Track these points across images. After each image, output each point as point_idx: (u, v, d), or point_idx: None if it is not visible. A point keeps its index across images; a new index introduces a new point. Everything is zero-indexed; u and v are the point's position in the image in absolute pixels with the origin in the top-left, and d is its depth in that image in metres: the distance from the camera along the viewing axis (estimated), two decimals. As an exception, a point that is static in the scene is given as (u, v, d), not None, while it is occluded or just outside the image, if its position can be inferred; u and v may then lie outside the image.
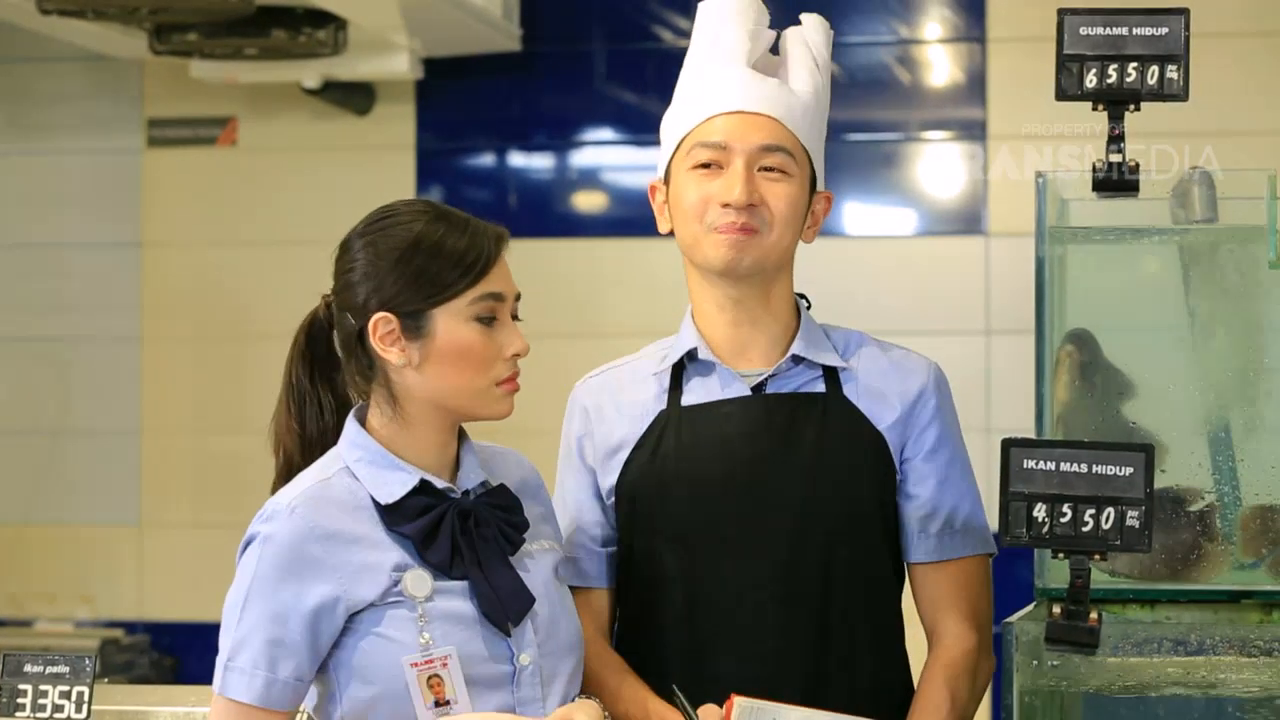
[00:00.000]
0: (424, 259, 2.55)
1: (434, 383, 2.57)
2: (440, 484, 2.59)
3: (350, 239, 2.64)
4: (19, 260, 6.30)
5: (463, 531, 2.57)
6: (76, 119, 6.28)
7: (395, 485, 2.56)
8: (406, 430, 2.59)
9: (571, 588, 2.82)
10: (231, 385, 6.20)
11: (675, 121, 2.89)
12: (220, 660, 2.53)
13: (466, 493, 2.62)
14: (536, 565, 2.65)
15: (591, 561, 2.93)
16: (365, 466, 2.58)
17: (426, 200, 2.65)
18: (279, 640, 2.50)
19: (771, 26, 2.94)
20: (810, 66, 2.91)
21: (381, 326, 2.55)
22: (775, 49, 2.94)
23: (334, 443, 2.64)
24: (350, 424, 2.62)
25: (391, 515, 2.55)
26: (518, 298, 2.62)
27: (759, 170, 2.81)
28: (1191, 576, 2.85)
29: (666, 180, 2.88)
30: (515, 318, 2.62)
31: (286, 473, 2.66)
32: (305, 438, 2.67)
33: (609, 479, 2.90)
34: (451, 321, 2.55)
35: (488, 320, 2.57)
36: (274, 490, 2.63)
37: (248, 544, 2.56)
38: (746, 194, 2.79)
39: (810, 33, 2.93)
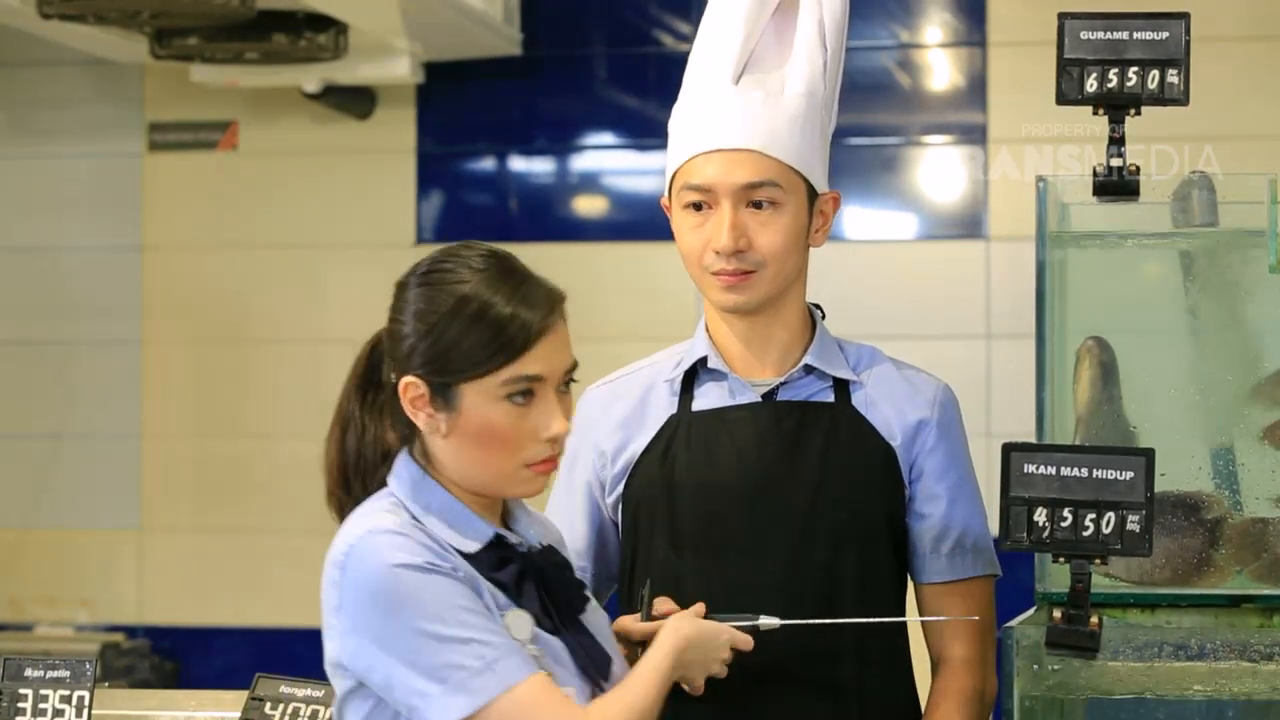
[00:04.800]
0: (460, 329, 2.37)
1: (459, 458, 2.40)
2: (513, 539, 2.45)
3: (406, 282, 2.44)
4: (20, 264, 6.30)
5: (542, 588, 2.44)
6: (77, 123, 6.29)
7: (470, 539, 2.41)
8: (453, 488, 2.44)
9: None
10: (232, 389, 6.20)
11: (670, 147, 2.88)
12: (454, 682, 2.30)
13: (530, 549, 2.47)
14: (600, 624, 2.53)
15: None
16: (433, 518, 2.40)
17: (491, 252, 2.43)
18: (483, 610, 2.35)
19: None
20: (813, 41, 2.86)
21: (411, 390, 2.39)
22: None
23: (371, 472, 2.48)
24: (409, 467, 2.44)
25: (473, 564, 2.39)
26: (573, 367, 2.43)
27: (748, 205, 2.81)
28: (1203, 582, 2.84)
29: (671, 201, 2.88)
30: (570, 382, 2.44)
31: (335, 494, 2.49)
32: (344, 463, 2.49)
33: (617, 485, 2.90)
34: (480, 399, 2.37)
35: (522, 399, 2.39)
36: (336, 505, 2.47)
37: (371, 581, 2.33)
38: (733, 240, 2.78)
39: None
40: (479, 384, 2.37)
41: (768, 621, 2.65)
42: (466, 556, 2.38)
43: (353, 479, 2.48)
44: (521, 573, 2.41)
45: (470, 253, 2.42)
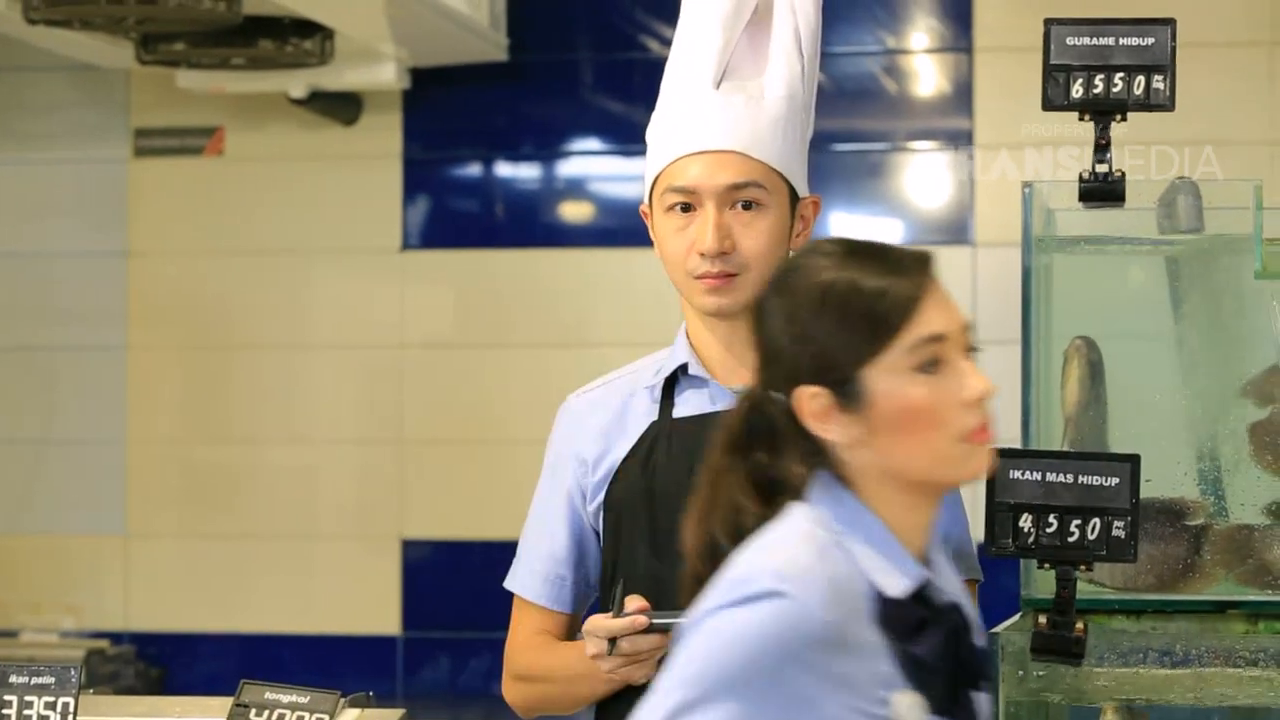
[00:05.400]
0: (836, 313, 2.13)
1: (890, 456, 2.13)
2: (945, 596, 2.15)
3: (761, 299, 2.21)
4: (5, 269, 6.29)
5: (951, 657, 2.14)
6: (63, 128, 6.28)
7: (900, 577, 2.12)
8: (881, 513, 2.16)
9: (527, 603, 2.89)
10: (218, 394, 6.19)
11: (650, 153, 2.88)
12: None
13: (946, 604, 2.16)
14: (980, 705, 2.20)
15: (553, 584, 2.93)
16: (865, 547, 2.12)
17: (839, 239, 2.22)
18: None
19: None
20: (789, 48, 2.87)
21: (810, 403, 2.13)
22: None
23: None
24: (836, 488, 2.16)
25: (887, 613, 2.10)
26: (967, 328, 2.18)
27: (732, 207, 2.80)
28: (1188, 588, 2.85)
29: (652, 206, 2.89)
30: (973, 350, 2.19)
31: (693, 581, 2.18)
32: (711, 546, 2.19)
33: (598, 492, 2.90)
34: (888, 380, 2.11)
35: (932, 368, 2.14)
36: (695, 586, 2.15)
37: (740, 623, 2.06)
38: (718, 241, 2.78)
39: None
40: (880, 363, 2.12)
41: None
42: (889, 604, 2.10)
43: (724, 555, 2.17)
44: (941, 640, 2.12)
45: (816, 245, 2.24)
